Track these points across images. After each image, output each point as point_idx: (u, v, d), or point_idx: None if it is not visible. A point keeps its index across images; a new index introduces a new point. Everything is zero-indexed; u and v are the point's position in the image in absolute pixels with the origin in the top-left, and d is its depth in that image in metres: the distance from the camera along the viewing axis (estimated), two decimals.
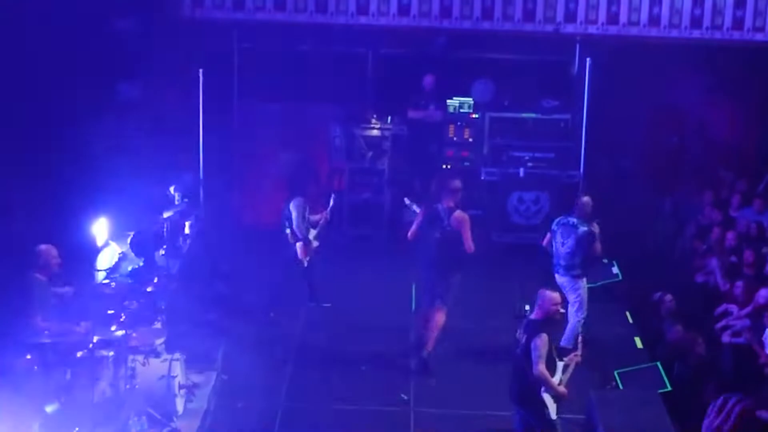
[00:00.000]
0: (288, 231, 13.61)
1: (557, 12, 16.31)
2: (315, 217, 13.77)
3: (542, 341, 9.64)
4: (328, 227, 14.53)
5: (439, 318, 12.43)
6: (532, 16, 16.33)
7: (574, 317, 12.60)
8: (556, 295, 10.06)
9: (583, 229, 12.50)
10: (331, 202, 13.93)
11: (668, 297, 13.30)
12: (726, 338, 12.47)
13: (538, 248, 15.62)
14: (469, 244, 12.22)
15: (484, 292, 14.48)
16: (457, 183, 12.39)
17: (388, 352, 12.87)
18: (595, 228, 12.66)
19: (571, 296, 12.60)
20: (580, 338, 10.88)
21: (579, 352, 10.20)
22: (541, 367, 9.62)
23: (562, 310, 10.29)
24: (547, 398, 9.78)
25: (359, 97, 17.03)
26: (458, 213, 12.21)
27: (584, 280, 12.69)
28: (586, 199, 12.74)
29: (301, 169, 15.19)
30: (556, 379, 9.78)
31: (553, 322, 10.01)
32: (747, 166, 16.94)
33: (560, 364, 9.91)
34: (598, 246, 12.59)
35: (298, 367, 12.52)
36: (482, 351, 12.84)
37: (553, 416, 9.81)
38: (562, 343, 12.08)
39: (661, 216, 16.37)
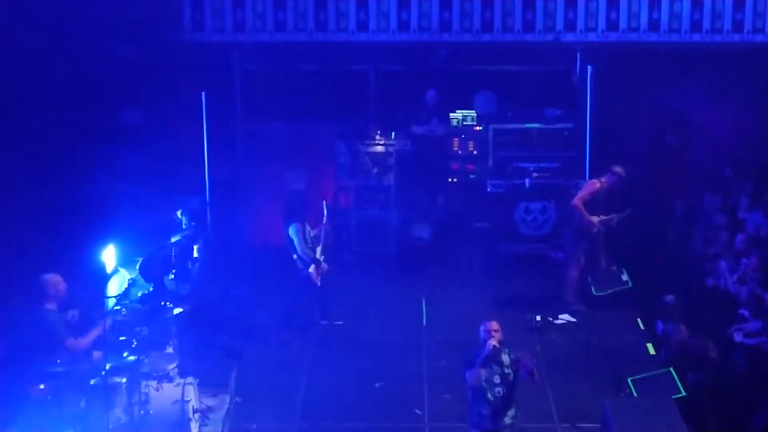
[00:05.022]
0: (295, 257, 13.64)
1: (557, 21, 16.32)
2: (314, 231, 13.81)
3: None
4: (334, 244, 14.55)
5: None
6: (532, 26, 16.34)
7: None
8: None
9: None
10: (325, 211, 13.91)
11: (670, 297, 13.33)
12: (738, 338, 12.43)
13: (547, 259, 15.70)
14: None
15: (494, 305, 14.47)
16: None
17: (401, 369, 12.86)
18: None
19: None
20: None
21: None
22: None
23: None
24: None
25: (362, 114, 17.04)
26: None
27: None
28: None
29: (295, 195, 15.15)
30: None
31: None
32: (753, 168, 16.90)
33: None
34: None
35: (312, 387, 12.50)
36: None
37: None
38: None
39: (671, 220, 16.34)
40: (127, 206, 14.02)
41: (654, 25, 16.27)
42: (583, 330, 13.80)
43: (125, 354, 10.70)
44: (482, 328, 9.96)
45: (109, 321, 10.74)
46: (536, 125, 16.83)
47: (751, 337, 12.34)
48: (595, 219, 14.10)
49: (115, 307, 11.48)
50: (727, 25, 16.19)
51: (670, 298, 13.47)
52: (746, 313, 12.96)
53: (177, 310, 11.86)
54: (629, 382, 12.03)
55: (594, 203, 14.14)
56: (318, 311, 14.05)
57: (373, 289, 15.11)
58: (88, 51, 14.67)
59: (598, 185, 14.20)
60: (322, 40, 16.36)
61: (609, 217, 14.20)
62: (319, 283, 13.75)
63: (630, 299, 14.30)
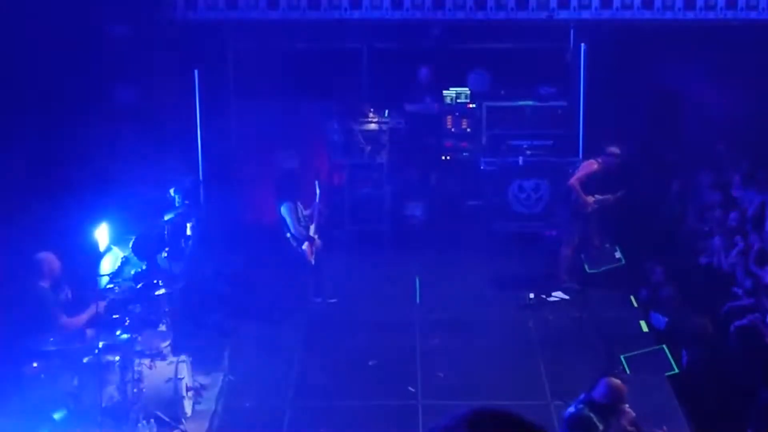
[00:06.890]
0: (288, 235, 13.63)
1: None
2: (307, 212, 13.80)
3: None
4: (328, 222, 14.54)
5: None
6: (525, 3, 16.27)
7: None
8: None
9: None
10: (317, 191, 13.89)
11: (649, 265, 13.54)
12: (732, 327, 12.45)
13: (541, 237, 15.69)
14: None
15: (487, 282, 14.50)
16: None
17: (394, 346, 12.87)
18: None
19: None
20: None
21: None
22: None
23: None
24: None
25: (355, 92, 16.99)
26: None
27: None
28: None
29: (287, 174, 15.12)
30: None
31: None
32: (747, 145, 16.89)
33: None
34: None
35: (305, 365, 12.52)
36: (487, 341, 12.84)
37: None
38: None
39: (667, 199, 16.35)
40: (120, 185, 14.01)
41: (647, 2, 16.22)
42: (576, 307, 13.83)
43: (118, 332, 10.70)
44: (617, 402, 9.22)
45: (103, 303, 10.74)
46: (530, 103, 16.79)
47: (743, 317, 12.37)
48: (591, 199, 14.10)
49: (108, 285, 11.48)
50: (721, 2, 16.15)
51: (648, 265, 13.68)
52: (739, 291, 12.98)
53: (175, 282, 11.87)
54: (622, 360, 12.04)
55: (590, 183, 14.14)
56: (311, 289, 14.05)
57: (367, 267, 15.13)
58: (82, 29, 14.61)
59: (595, 166, 14.18)
60: (314, 17, 16.29)
61: (605, 197, 14.20)
62: (312, 262, 13.76)
63: (623, 277, 14.32)
